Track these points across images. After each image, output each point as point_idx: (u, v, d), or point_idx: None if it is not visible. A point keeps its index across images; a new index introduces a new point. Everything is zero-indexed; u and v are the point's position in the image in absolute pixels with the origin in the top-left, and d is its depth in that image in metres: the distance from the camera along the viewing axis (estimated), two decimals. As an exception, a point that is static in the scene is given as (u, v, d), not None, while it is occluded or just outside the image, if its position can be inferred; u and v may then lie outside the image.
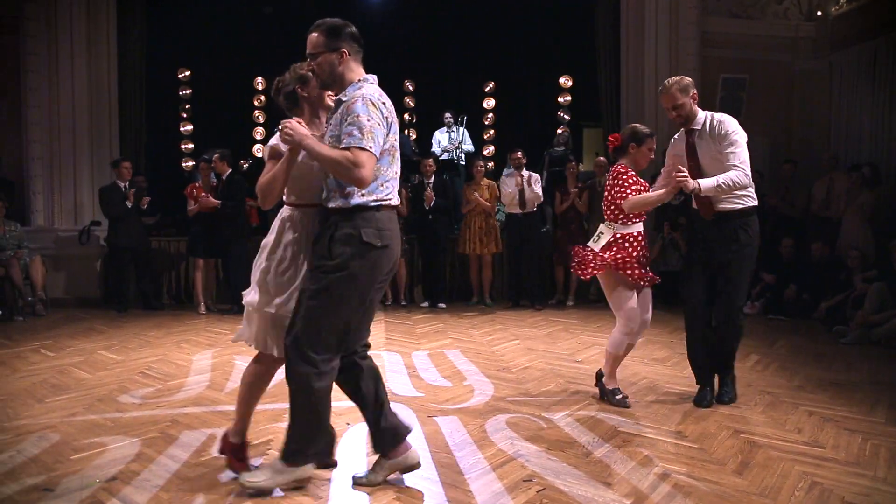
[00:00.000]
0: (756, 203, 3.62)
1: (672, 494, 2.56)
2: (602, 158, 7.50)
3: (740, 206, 3.54)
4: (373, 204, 2.46)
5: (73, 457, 2.95)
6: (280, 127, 2.44)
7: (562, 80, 9.57)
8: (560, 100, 9.60)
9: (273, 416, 3.46)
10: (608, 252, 3.67)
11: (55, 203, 7.80)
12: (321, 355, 2.45)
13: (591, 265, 3.65)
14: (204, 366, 4.72)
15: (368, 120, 2.37)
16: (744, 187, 3.48)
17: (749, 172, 3.46)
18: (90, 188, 7.91)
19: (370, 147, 2.36)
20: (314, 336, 2.44)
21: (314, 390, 2.47)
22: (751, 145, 3.65)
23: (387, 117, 2.47)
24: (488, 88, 9.79)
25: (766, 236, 7.73)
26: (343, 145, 2.37)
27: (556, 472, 2.76)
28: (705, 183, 3.39)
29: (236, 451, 2.72)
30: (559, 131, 9.17)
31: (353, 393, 2.67)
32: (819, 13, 8.72)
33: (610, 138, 3.87)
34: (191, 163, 9.07)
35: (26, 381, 4.29)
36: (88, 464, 2.87)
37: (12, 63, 7.73)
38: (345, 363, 2.58)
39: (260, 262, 2.63)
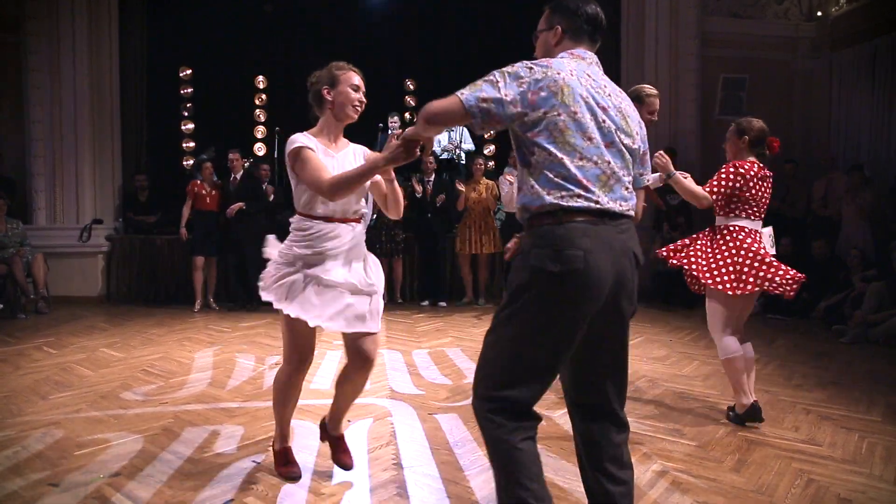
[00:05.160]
0: None
1: (670, 491, 2.58)
2: None
3: None
4: None
5: (77, 453, 2.98)
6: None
7: (563, 78, 9.56)
8: (561, 99, 9.60)
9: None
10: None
11: (57, 201, 7.81)
12: None
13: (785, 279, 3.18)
14: (206, 363, 4.74)
15: None
16: None
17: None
18: (92, 186, 7.92)
19: None
20: None
21: None
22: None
23: None
24: (489, 87, 9.77)
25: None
26: None
27: (556, 468, 2.78)
28: None
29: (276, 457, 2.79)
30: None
31: None
32: (819, 13, 8.73)
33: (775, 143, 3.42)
34: (192, 161, 9.09)
35: (29, 379, 4.32)
36: (92, 459, 2.90)
37: (14, 61, 7.74)
38: None
39: None
